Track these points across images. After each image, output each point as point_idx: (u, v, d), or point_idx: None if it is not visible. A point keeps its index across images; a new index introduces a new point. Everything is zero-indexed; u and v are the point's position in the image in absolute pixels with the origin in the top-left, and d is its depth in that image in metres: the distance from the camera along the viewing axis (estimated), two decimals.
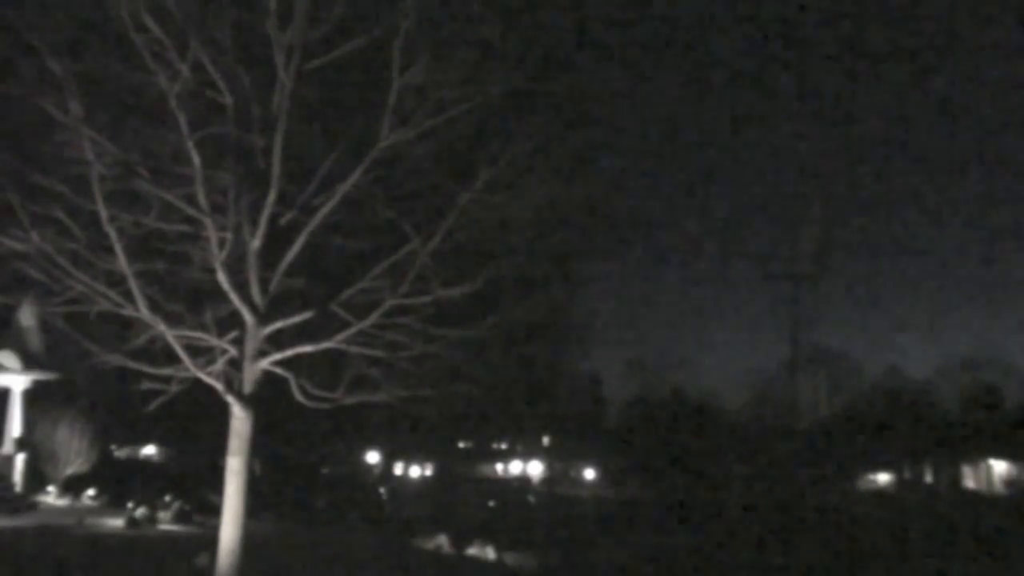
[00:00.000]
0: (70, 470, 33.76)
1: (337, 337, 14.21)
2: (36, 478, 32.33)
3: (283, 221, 14.19)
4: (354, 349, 14.40)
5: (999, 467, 64.71)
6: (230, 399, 14.06)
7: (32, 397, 32.52)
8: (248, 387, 14.17)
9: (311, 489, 44.72)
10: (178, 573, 18.28)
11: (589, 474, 71.73)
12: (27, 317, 31.17)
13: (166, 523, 27.06)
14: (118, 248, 13.34)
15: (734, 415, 72.28)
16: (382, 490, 53.12)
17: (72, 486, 33.12)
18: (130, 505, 28.01)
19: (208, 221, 13.69)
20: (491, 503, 49.35)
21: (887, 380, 71.10)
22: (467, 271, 14.30)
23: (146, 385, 14.59)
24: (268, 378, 14.56)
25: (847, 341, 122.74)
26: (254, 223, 13.87)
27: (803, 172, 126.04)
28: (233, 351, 14.24)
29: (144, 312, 13.67)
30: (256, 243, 13.92)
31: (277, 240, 14.15)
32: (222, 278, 13.72)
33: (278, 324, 14.23)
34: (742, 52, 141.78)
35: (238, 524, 14.06)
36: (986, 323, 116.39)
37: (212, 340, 14.20)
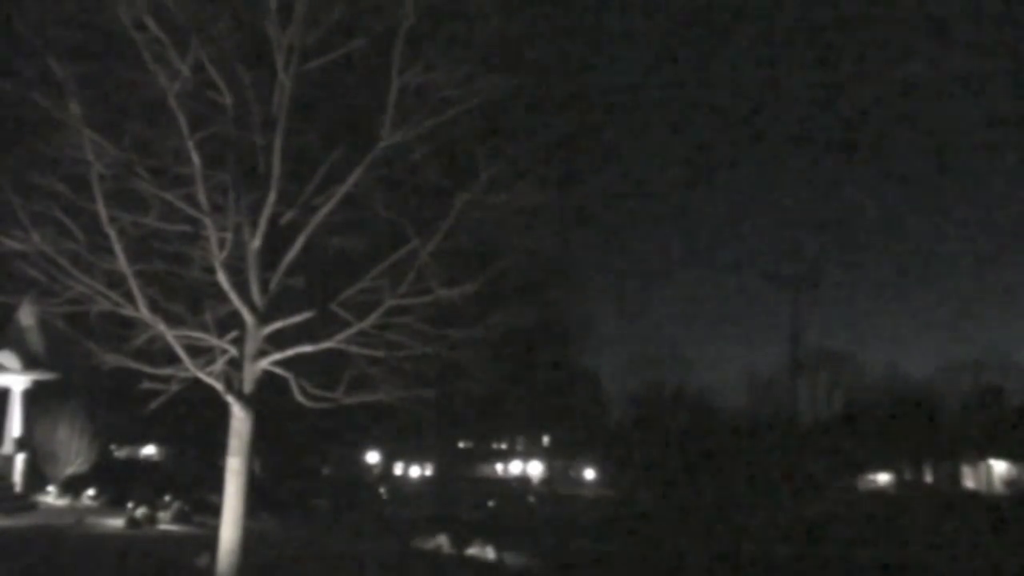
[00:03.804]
0: (70, 470, 33.69)
1: (337, 337, 14.22)
2: (36, 478, 32.26)
3: (283, 221, 14.21)
4: (354, 349, 14.42)
5: (999, 467, 64.70)
6: (230, 399, 14.08)
7: (32, 397, 32.44)
8: (248, 387, 14.18)
9: (311, 489, 44.71)
10: (178, 573, 18.27)
11: (589, 474, 71.77)
12: (27, 317, 31.13)
13: (166, 523, 27.02)
14: (118, 248, 13.35)
15: (735, 415, 72.25)
16: (382, 490, 53.15)
17: (72, 486, 33.03)
18: (130, 505, 27.95)
19: (208, 221, 13.71)
20: (491, 503, 49.34)
21: (888, 380, 71.12)
22: (467, 271, 14.32)
23: (146, 385, 14.61)
24: (268, 378, 14.57)
25: (848, 341, 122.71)
26: (254, 223, 13.90)
27: (804, 171, 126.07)
28: (233, 351, 14.25)
29: (144, 312, 13.68)
30: (256, 243, 13.94)
31: (277, 240, 14.17)
32: (222, 278, 13.74)
33: (278, 324, 14.25)
34: (745, 51, 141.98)
35: (238, 524, 14.07)
36: (987, 323, 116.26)
37: (212, 340, 14.22)
